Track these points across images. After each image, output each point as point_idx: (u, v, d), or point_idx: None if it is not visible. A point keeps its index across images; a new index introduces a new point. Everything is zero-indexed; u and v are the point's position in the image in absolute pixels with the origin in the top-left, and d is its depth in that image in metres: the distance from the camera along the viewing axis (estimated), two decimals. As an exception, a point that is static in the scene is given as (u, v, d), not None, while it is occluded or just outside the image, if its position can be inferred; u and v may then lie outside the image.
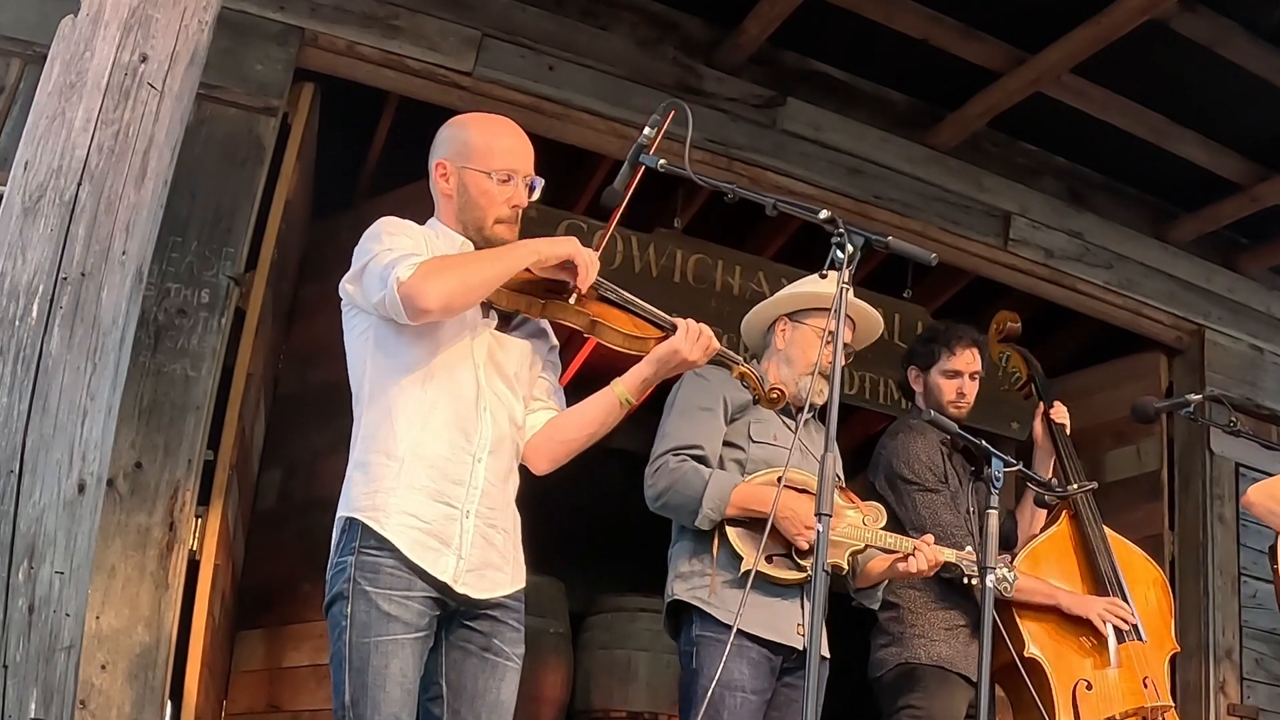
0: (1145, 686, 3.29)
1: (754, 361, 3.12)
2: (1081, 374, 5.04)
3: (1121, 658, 3.27)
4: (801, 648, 2.85)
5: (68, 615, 2.13)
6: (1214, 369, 4.75)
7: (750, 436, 2.92)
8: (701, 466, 2.87)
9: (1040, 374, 3.72)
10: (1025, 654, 3.27)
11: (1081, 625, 3.33)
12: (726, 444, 2.94)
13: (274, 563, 3.86)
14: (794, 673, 2.88)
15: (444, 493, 2.21)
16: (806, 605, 2.88)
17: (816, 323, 3.04)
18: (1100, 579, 3.40)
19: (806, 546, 2.79)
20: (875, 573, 3.03)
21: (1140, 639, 3.31)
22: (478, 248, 2.34)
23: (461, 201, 2.33)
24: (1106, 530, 3.51)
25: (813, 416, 3.10)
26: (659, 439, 2.94)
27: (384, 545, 2.16)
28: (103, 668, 2.91)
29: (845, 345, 3.01)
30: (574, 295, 2.29)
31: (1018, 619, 3.30)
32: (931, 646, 3.23)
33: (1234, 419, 3.12)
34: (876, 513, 2.99)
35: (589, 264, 2.25)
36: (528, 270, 2.29)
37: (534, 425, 2.37)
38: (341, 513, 2.23)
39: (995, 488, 2.79)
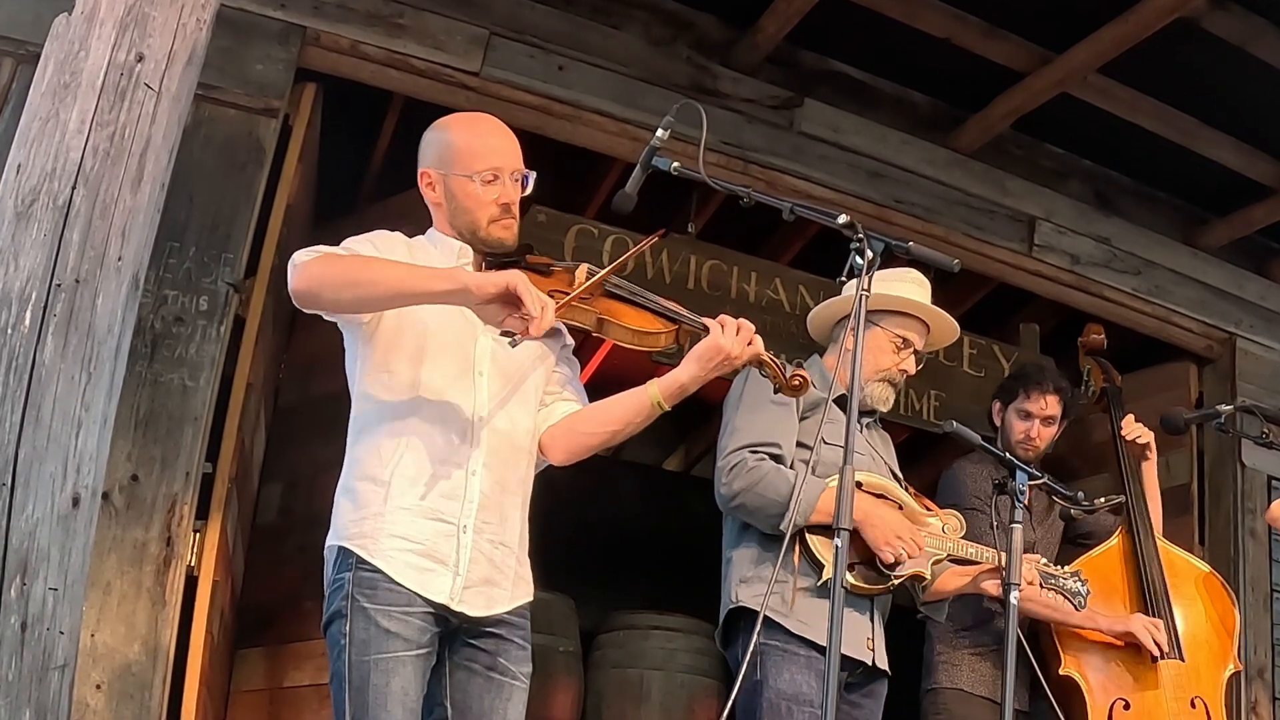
0: (1193, 707, 3.26)
1: (815, 356, 3.09)
2: (1109, 384, 4.95)
3: (1163, 677, 3.24)
4: (870, 662, 2.80)
5: (61, 633, 2.10)
6: (1245, 379, 4.67)
7: (823, 438, 2.78)
8: (782, 468, 2.78)
9: (1116, 389, 3.81)
10: (1061, 673, 3.25)
11: (1120, 643, 3.31)
12: (796, 443, 2.86)
13: (274, 579, 3.81)
14: (857, 690, 2.82)
15: (437, 509, 2.14)
16: (877, 618, 2.85)
17: (895, 326, 2.95)
18: (1145, 596, 3.38)
19: (891, 559, 2.74)
20: (950, 588, 2.95)
21: (1179, 658, 3.27)
22: (476, 252, 2.28)
23: (451, 208, 2.28)
24: (1166, 544, 3.50)
25: (875, 421, 3.07)
26: (729, 433, 2.84)
27: (378, 569, 2.10)
28: (97, 687, 2.85)
29: (916, 351, 2.96)
30: (574, 282, 2.18)
31: (1055, 637, 3.29)
32: (954, 671, 3.27)
33: (1266, 430, 3.09)
34: (956, 521, 2.95)
35: (537, 300, 2.04)
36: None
37: (550, 417, 2.31)
38: (331, 541, 2.17)
39: (1019, 500, 2.75)
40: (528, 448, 2.28)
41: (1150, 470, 3.62)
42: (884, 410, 3.04)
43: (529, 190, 2.29)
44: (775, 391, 2.31)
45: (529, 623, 2.25)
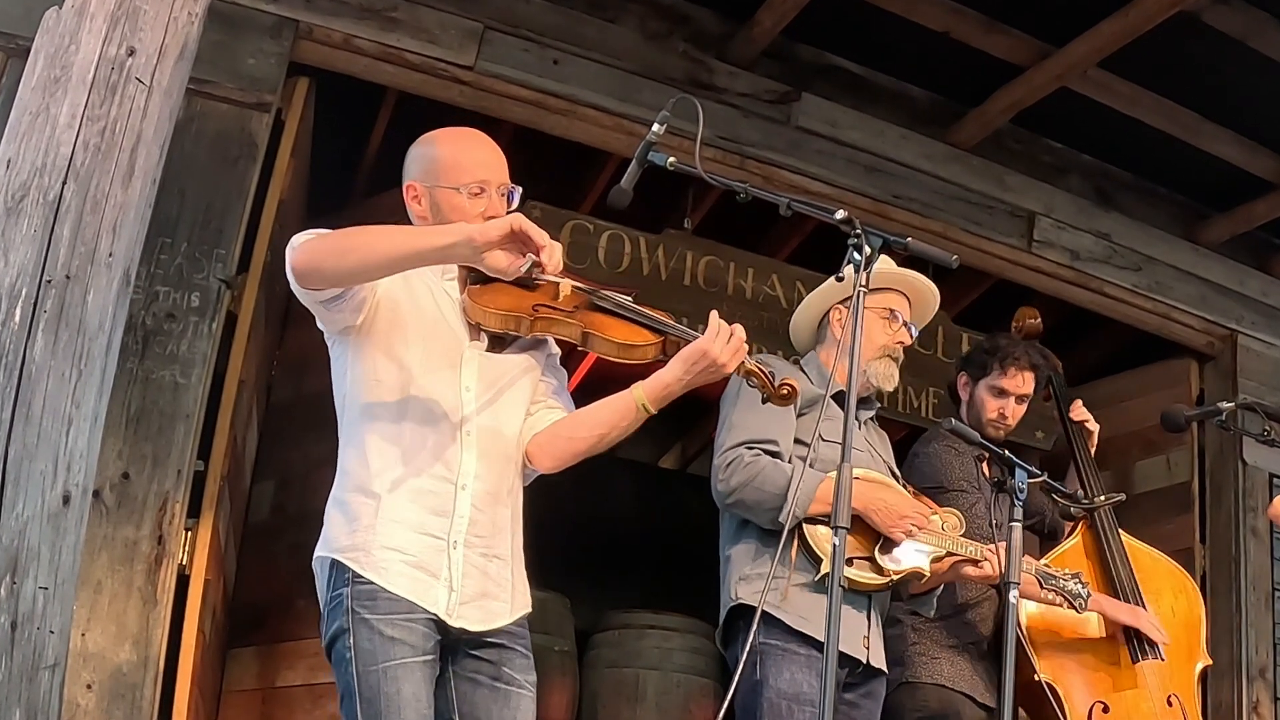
0: (1170, 705, 3.23)
1: (811, 352, 3.06)
2: (1109, 381, 4.95)
3: (1140, 676, 3.21)
4: (865, 660, 2.78)
5: (52, 632, 2.09)
6: (1247, 376, 4.64)
7: (821, 435, 2.76)
8: (780, 462, 2.75)
9: (1059, 375, 3.65)
10: (1036, 678, 3.20)
11: (1096, 645, 3.27)
12: (794, 440, 2.83)
13: (267, 578, 3.79)
14: (854, 689, 2.80)
15: (426, 525, 2.12)
16: (874, 616, 2.83)
17: (876, 301, 2.91)
18: (1118, 592, 3.33)
19: (904, 538, 2.73)
20: (934, 575, 2.91)
21: (1160, 658, 3.23)
22: (461, 267, 2.25)
23: (436, 222, 2.24)
24: (1128, 539, 3.45)
25: (873, 418, 3.04)
26: (726, 429, 2.82)
27: (374, 582, 2.08)
28: (88, 687, 2.84)
29: (906, 323, 2.93)
30: (558, 295, 2.16)
31: (1028, 643, 3.22)
32: (933, 665, 3.17)
33: (1268, 428, 3.02)
34: (956, 519, 2.91)
35: (543, 233, 2.02)
36: (509, 282, 2.19)
37: (536, 425, 2.28)
38: (321, 553, 2.15)
39: (1019, 499, 2.72)
40: (516, 458, 2.26)
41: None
42: (889, 388, 3.00)
43: (514, 206, 2.27)
44: (764, 401, 2.27)
45: (529, 632, 2.23)
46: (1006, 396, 3.32)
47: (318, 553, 2.16)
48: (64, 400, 2.15)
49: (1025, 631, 3.20)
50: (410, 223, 2.33)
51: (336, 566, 2.11)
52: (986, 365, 3.35)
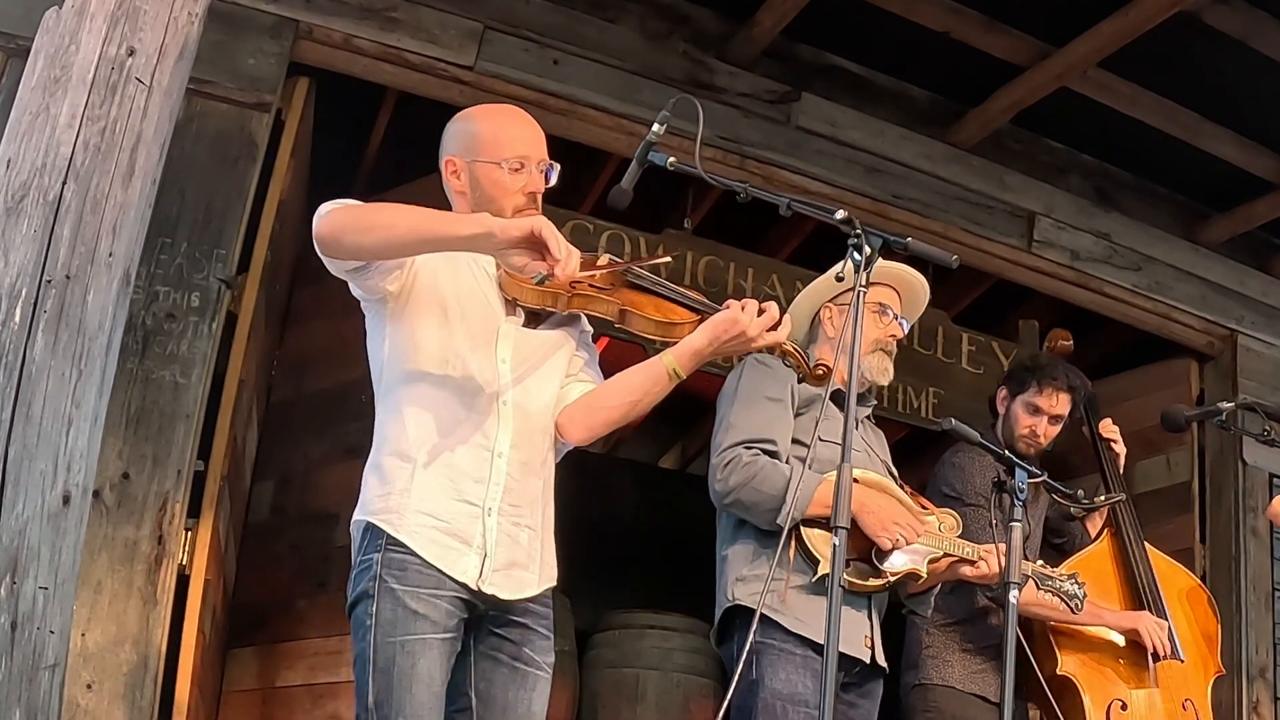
0: (1184, 709, 3.26)
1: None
2: (1109, 381, 4.89)
3: (1159, 677, 3.23)
4: (869, 660, 2.78)
5: (52, 632, 2.09)
6: (1247, 376, 4.63)
7: (819, 435, 2.74)
8: (778, 462, 2.75)
9: (1089, 393, 3.68)
10: (1058, 673, 3.23)
11: (1118, 644, 3.29)
12: (792, 440, 2.83)
13: (267, 578, 3.80)
14: (854, 689, 2.79)
15: (463, 490, 2.13)
16: (874, 615, 2.82)
17: (867, 296, 2.91)
18: (1139, 598, 3.36)
19: (889, 547, 2.72)
20: (931, 575, 2.91)
21: (1179, 658, 3.26)
22: None
23: (476, 197, 2.25)
24: (1151, 549, 3.48)
25: (870, 417, 3.05)
26: (723, 429, 2.81)
27: (406, 547, 2.10)
28: (89, 687, 2.84)
29: (898, 317, 2.95)
30: (595, 273, 2.16)
31: (1051, 638, 3.26)
32: (945, 668, 3.20)
33: (1268, 428, 3.04)
34: (953, 520, 2.92)
35: (562, 244, 2.01)
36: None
37: (566, 398, 2.30)
38: (357, 516, 2.16)
39: (1019, 499, 2.72)
40: (550, 431, 2.27)
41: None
42: (884, 382, 3.00)
43: (553, 182, 2.28)
44: (800, 381, 2.31)
45: (552, 611, 2.24)
46: (1040, 415, 3.38)
47: (355, 517, 2.17)
48: (64, 400, 2.15)
49: (1049, 627, 3.24)
50: (431, 201, 2.33)
51: (371, 529, 2.12)
52: (1025, 382, 3.41)
